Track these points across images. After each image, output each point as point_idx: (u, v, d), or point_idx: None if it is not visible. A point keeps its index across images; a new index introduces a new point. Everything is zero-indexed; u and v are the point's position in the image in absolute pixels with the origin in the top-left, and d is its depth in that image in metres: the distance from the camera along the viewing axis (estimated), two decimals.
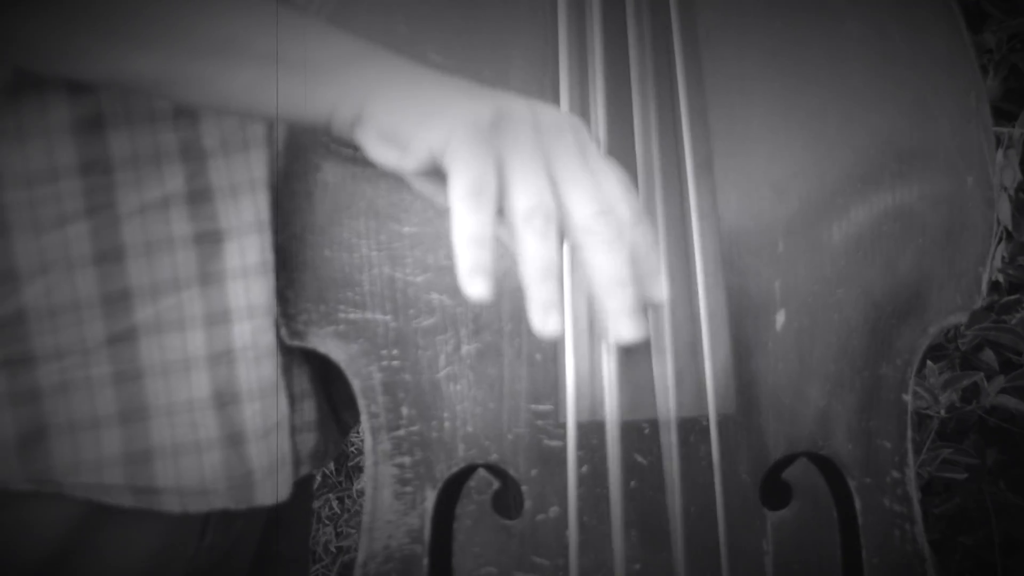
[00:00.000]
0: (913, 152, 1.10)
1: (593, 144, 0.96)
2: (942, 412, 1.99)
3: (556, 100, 1.06)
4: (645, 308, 0.93)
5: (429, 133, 0.92)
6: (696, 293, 1.04)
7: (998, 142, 2.03)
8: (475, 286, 0.89)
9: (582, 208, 0.92)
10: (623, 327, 0.93)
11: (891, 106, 1.10)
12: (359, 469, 2.68)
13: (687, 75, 1.06)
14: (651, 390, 1.02)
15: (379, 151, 0.95)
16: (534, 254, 0.91)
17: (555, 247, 0.91)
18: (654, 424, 1.06)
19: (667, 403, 1.03)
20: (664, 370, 1.02)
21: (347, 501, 2.81)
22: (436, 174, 0.92)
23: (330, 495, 2.79)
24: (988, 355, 2.11)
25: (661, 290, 0.94)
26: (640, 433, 1.07)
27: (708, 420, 1.05)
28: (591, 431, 1.07)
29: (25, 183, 1.00)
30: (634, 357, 1.03)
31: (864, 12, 1.10)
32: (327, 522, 2.81)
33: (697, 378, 1.03)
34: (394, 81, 0.95)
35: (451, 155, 0.90)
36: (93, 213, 1.02)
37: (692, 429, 1.07)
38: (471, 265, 0.89)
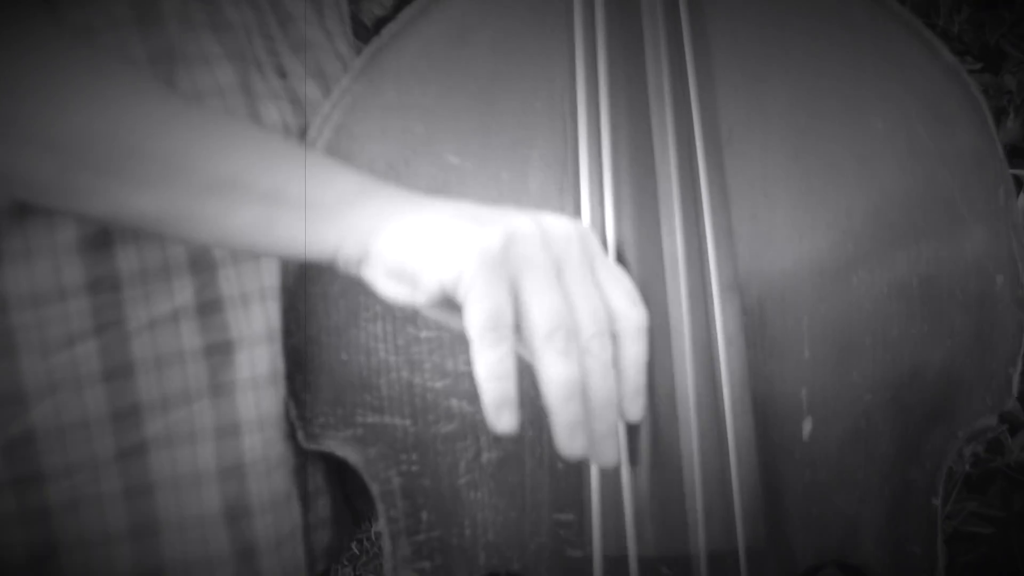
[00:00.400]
0: (940, 252, 1.07)
1: (601, 253, 0.94)
2: (967, 468, 1.96)
3: (576, 201, 1.04)
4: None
5: (439, 268, 0.89)
6: (723, 416, 1.02)
7: (1021, 185, 2.00)
8: (503, 421, 0.87)
9: (584, 328, 0.90)
10: (605, 452, 0.91)
11: (919, 205, 1.07)
12: None
13: (709, 178, 1.04)
14: (680, 523, 1.00)
15: (388, 287, 0.93)
16: (557, 375, 0.89)
17: (577, 365, 0.89)
18: None
19: (696, 539, 1.01)
20: (694, 504, 1.00)
21: (366, 543, 2.80)
22: (448, 303, 0.90)
23: None
24: (1013, 403, 2.08)
25: (638, 410, 0.92)
26: None
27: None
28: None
29: (32, 304, 0.98)
30: (663, 488, 1.00)
31: (890, 108, 1.07)
32: (346, 563, 2.80)
33: (726, 513, 1.00)
34: (398, 216, 0.93)
35: (464, 289, 0.88)
36: (102, 331, 1.00)
37: None
38: (497, 400, 0.87)
